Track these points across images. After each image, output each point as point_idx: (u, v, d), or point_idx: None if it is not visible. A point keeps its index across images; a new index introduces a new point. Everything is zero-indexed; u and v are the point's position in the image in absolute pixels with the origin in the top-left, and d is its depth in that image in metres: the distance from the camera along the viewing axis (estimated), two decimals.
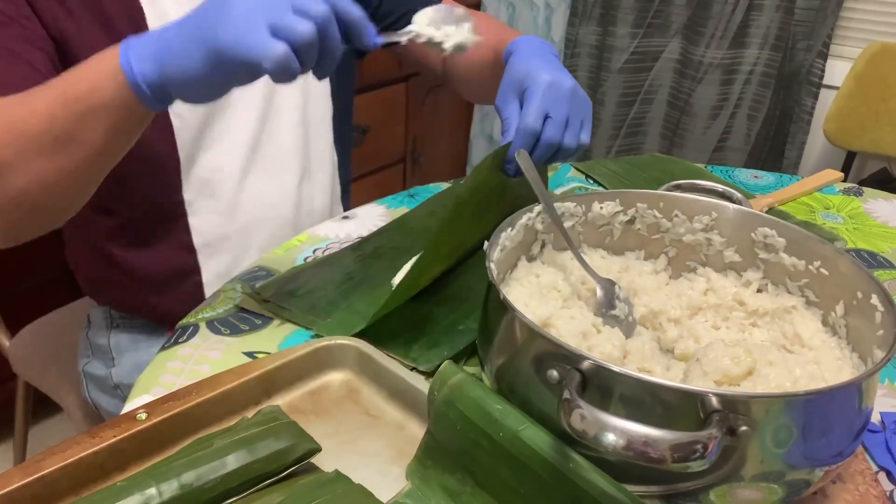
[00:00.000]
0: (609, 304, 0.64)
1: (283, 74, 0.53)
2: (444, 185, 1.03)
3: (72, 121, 0.60)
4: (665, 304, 0.67)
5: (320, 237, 0.90)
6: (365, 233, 0.90)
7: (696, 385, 0.53)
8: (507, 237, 0.63)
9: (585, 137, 0.72)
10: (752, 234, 0.67)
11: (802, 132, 2.03)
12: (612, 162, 1.13)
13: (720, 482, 0.47)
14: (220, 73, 0.55)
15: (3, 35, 0.71)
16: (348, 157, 1.05)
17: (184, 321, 0.74)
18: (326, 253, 0.86)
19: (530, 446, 0.49)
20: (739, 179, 1.11)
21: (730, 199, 0.76)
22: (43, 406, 1.40)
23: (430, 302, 0.74)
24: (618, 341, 0.59)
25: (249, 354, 0.68)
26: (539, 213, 0.67)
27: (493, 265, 0.58)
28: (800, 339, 0.62)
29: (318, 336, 0.70)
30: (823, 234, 0.94)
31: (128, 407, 0.61)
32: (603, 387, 0.48)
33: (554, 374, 0.49)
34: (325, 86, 0.95)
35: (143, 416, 0.55)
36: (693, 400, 0.45)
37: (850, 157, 1.98)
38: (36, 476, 0.49)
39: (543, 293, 0.65)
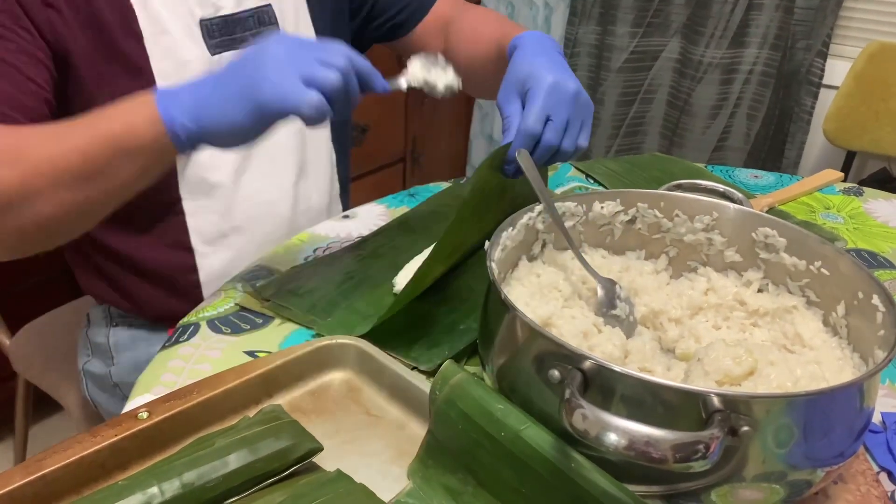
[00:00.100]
0: (610, 304, 0.64)
1: (319, 118, 0.61)
2: (444, 185, 1.03)
3: (105, 158, 0.63)
4: (666, 303, 0.67)
5: (321, 236, 0.90)
6: (365, 232, 0.90)
7: (697, 385, 0.53)
8: (507, 237, 0.63)
9: (584, 141, 0.72)
10: (753, 234, 0.67)
11: (802, 132, 2.03)
12: (612, 161, 1.13)
13: (722, 482, 0.47)
14: (260, 124, 0.62)
15: (2, 48, 0.72)
16: (347, 155, 1.05)
17: (184, 320, 0.74)
18: (327, 252, 0.86)
19: (532, 446, 0.49)
20: (739, 179, 1.11)
21: (730, 198, 0.76)
22: (43, 405, 1.40)
23: (430, 301, 0.74)
24: (619, 341, 0.59)
25: (250, 353, 0.68)
26: (540, 213, 0.67)
27: (494, 265, 0.58)
28: (801, 340, 0.62)
29: (318, 335, 0.70)
30: (824, 234, 0.94)
31: (129, 406, 0.61)
32: (604, 387, 0.48)
33: (555, 373, 0.49)
34: None
35: (145, 415, 0.55)
36: (695, 400, 0.45)
37: (850, 156, 1.98)
38: (37, 475, 0.49)
39: (544, 293, 0.65)
